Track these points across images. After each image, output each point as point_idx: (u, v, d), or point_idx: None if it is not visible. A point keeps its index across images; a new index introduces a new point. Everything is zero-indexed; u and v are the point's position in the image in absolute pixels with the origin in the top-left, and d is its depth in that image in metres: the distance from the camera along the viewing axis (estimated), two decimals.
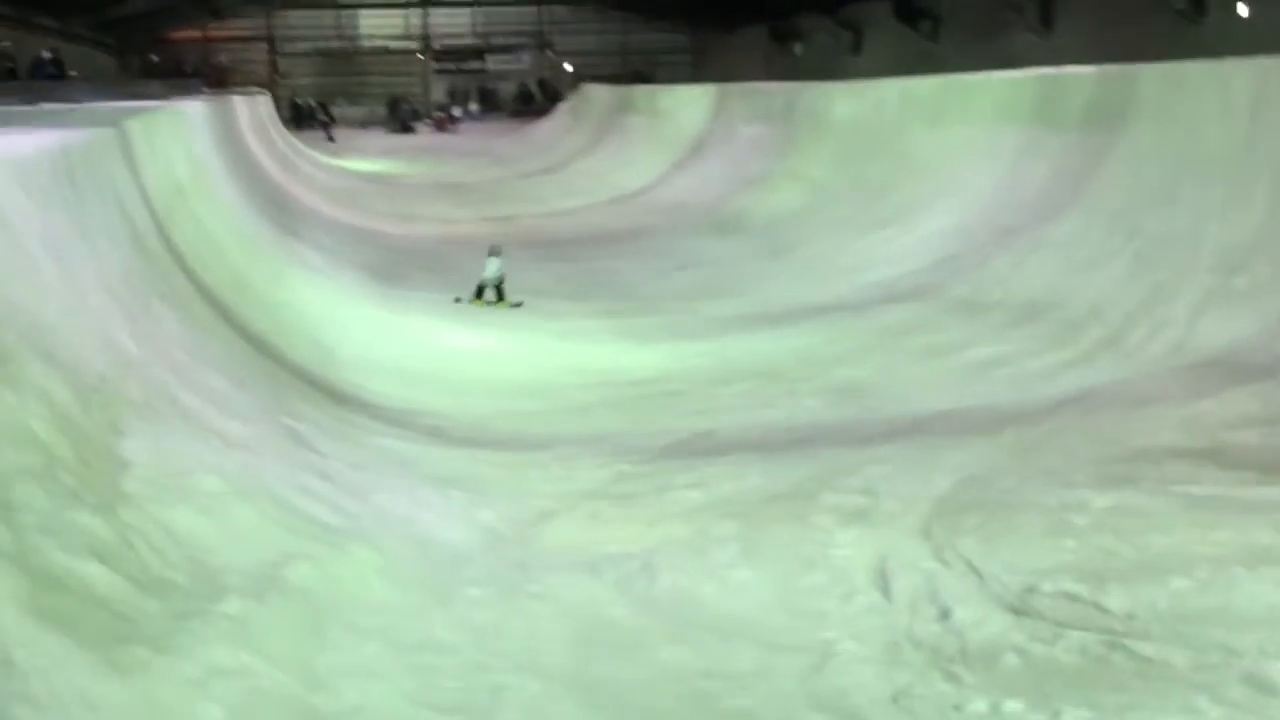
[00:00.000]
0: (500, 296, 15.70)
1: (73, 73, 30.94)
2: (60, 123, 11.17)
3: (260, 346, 10.31)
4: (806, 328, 13.42)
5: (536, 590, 5.90)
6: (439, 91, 63.35)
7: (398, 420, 9.40)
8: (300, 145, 40.69)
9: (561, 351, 12.97)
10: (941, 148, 18.20)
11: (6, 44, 26.85)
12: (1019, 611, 5.52)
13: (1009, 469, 7.59)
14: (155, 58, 52.23)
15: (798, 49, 46.91)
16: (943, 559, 6.14)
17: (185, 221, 12.12)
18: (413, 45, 63.39)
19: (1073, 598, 5.60)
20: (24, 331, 5.25)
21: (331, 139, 50.15)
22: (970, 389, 10.27)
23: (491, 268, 15.92)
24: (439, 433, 9.25)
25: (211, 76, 52.57)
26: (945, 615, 5.52)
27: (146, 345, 7.06)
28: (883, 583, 5.93)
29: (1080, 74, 16.05)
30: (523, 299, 15.73)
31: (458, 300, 15.60)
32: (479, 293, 15.75)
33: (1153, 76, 14.28)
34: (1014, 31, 30.90)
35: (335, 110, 58.83)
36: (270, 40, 61.16)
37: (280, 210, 20.97)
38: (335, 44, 62.30)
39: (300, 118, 55.06)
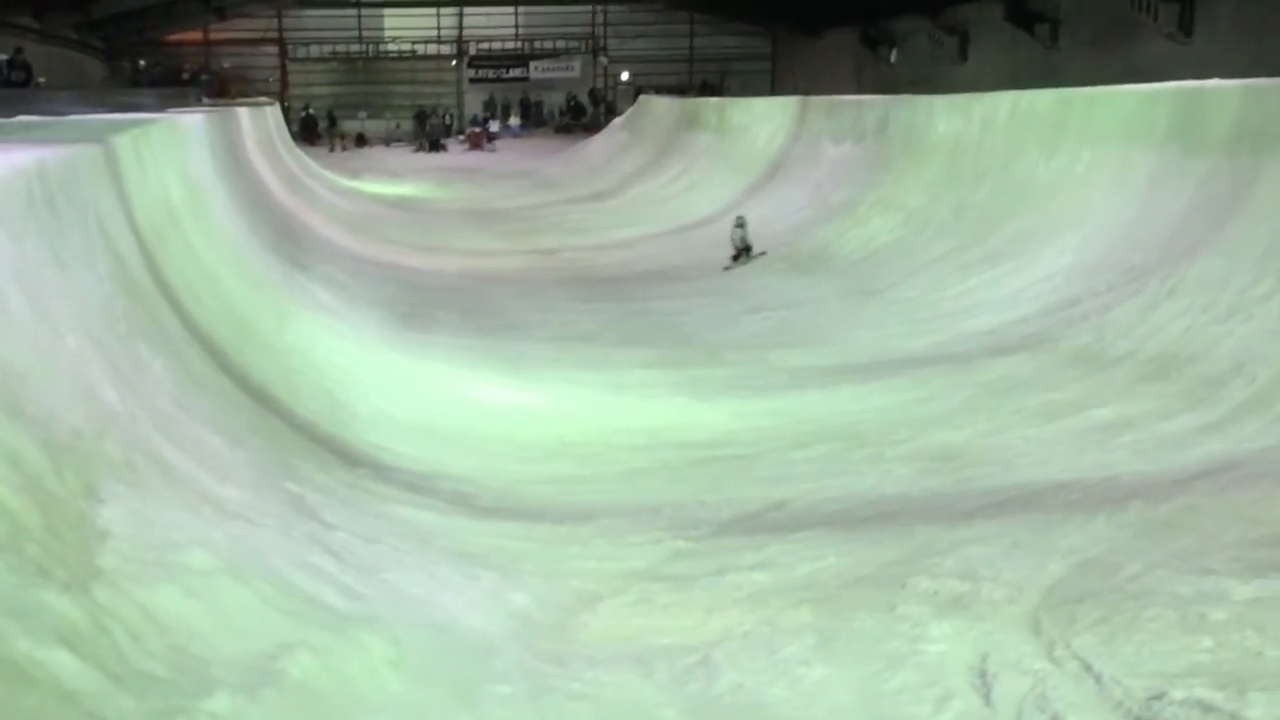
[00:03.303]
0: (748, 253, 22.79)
1: (40, 79, 31.07)
2: (39, 138, 11.37)
3: (261, 398, 10.41)
4: (897, 383, 13.38)
5: (576, 688, 5.89)
6: (474, 103, 63.93)
7: (418, 486, 9.45)
8: (313, 164, 41.17)
9: (610, 407, 13.00)
10: (1060, 173, 18.14)
11: None
12: None
13: (1134, 552, 7.50)
14: (144, 62, 53.00)
15: (893, 56, 47.06)
16: (1055, 658, 6.08)
17: (178, 252, 12.29)
18: (445, 50, 63.99)
19: (1208, 707, 5.53)
20: None
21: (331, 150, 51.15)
22: (1089, 457, 10.19)
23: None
24: (465, 500, 9.29)
25: (212, 84, 53.46)
26: None
27: (129, 396, 7.15)
28: (983, 685, 5.88)
29: (1226, 88, 15.94)
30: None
31: (725, 268, 22.42)
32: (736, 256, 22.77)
33: None
34: (1147, 37, 30.83)
35: (354, 124, 59.60)
36: (281, 43, 61.99)
37: (288, 240, 21.21)
38: (355, 48, 62.98)
39: (309, 132, 55.87)
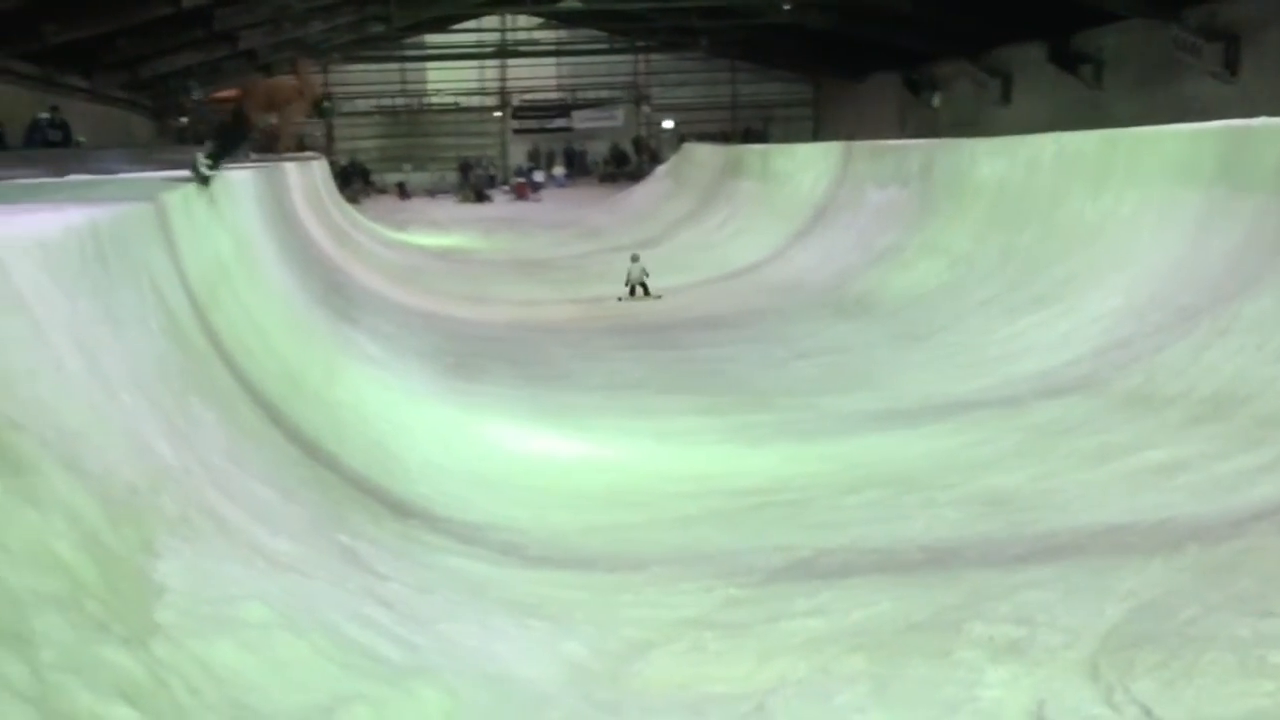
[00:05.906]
0: (645, 291, 25.50)
1: (81, 138, 31.00)
2: (91, 196, 11.49)
3: (312, 451, 10.44)
4: (947, 427, 13.31)
5: None
6: (519, 153, 64.20)
7: (470, 537, 9.45)
8: (360, 217, 41.43)
9: (660, 455, 12.97)
10: (1107, 214, 18.05)
11: None
12: None
13: (1192, 595, 7.44)
14: (187, 120, 53.24)
15: (936, 100, 47.07)
16: (1113, 703, 6.03)
17: (229, 308, 12.37)
18: (489, 101, 64.33)
19: None
20: (46, 437, 5.39)
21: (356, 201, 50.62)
22: (1144, 499, 10.10)
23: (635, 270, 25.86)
24: (517, 550, 9.28)
25: (260, 140, 53.68)
26: None
27: (183, 451, 7.20)
28: None
29: (1274, 125, 15.86)
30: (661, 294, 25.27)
31: (620, 299, 25.10)
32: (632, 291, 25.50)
33: None
34: (1191, 77, 30.77)
35: (400, 176, 59.99)
36: (327, 98, 62.31)
37: (336, 293, 21.33)
38: (400, 101, 63.37)
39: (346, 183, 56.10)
